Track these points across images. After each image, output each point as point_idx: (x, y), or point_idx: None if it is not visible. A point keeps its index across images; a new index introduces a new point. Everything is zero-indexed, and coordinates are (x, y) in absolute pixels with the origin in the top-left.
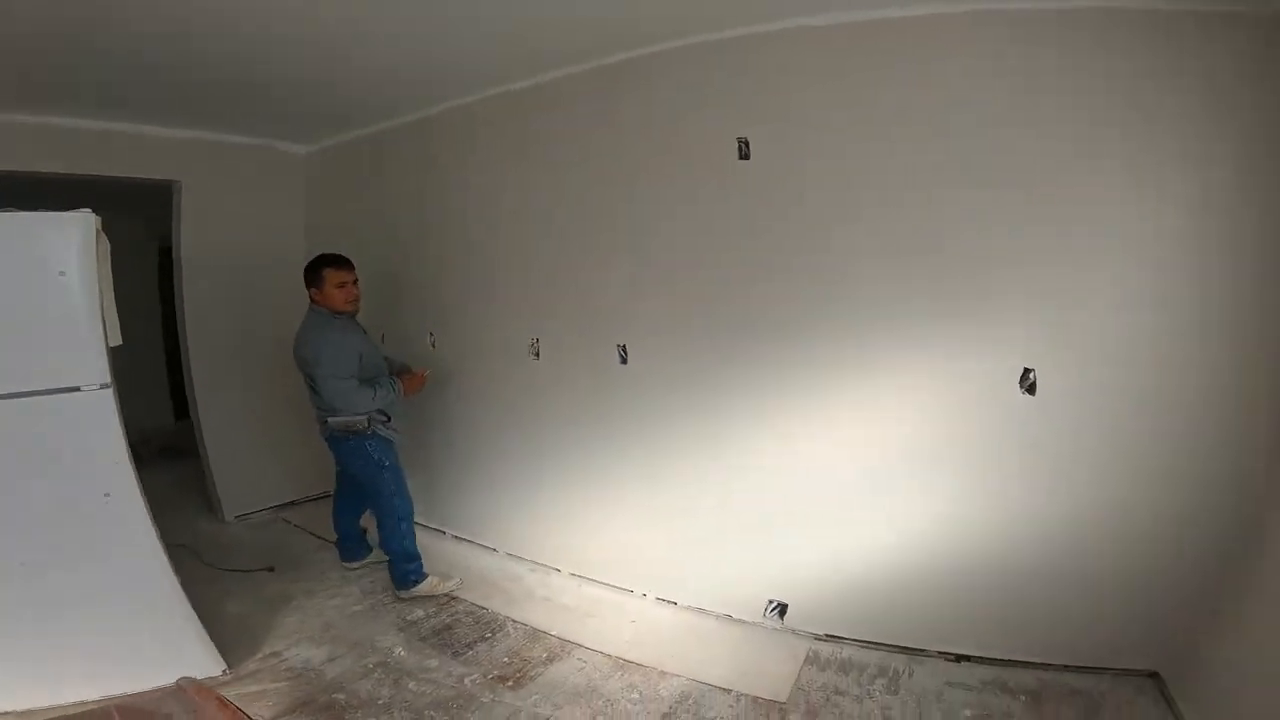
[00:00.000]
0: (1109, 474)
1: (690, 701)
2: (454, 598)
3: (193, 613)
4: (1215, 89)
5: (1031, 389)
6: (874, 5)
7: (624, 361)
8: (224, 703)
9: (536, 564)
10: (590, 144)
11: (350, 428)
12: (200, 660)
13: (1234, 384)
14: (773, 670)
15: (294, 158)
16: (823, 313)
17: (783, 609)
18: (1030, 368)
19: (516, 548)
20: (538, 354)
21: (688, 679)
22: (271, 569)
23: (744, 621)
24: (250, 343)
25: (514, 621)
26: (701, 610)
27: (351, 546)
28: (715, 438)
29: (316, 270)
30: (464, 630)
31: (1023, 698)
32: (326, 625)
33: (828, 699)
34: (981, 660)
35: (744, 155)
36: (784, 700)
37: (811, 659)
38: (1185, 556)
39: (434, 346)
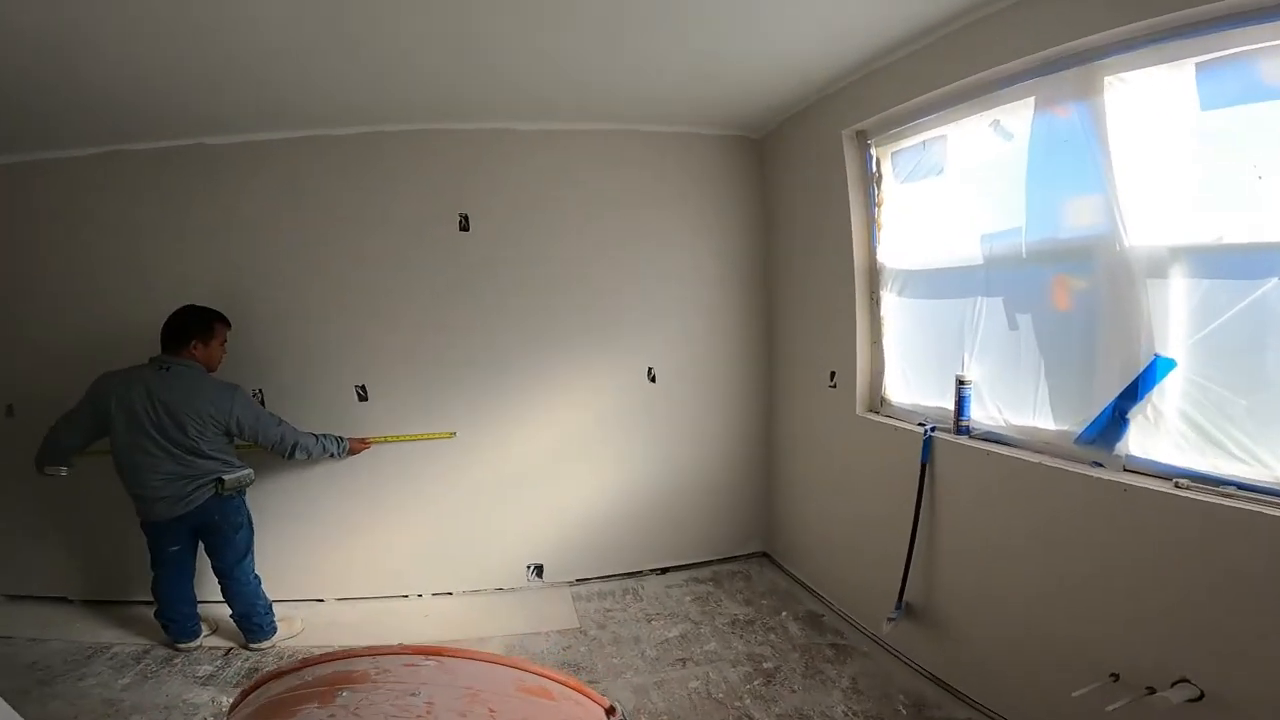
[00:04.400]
0: (706, 424)
1: (516, 647)
2: (233, 649)
3: None
4: (721, 183)
5: (654, 379)
6: (559, 119)
7: (363, 399)
8: None
9: (301, 601)
10: (335, 204)
11: (241, 484)
12: None
13: (747, 354)
14: (557, 612)
15: None
16: (534, 342)
17: (539, 569)
18: (652, 365)
19: (277, 593)
20: (262, 401)
21: (503, 635)
22: None
23: (514, 588)
24: None
25: (317, 648)
26: (476, 590)
27: (194, 624)
28: (452, 448)
29: (210, 324)
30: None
31: (709, 582)
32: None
33: (605, 616)
34: (675, 568)
35: (464, 228)
36: (578, 626)
37: (576, 597)
38: (759, 471)
39: None
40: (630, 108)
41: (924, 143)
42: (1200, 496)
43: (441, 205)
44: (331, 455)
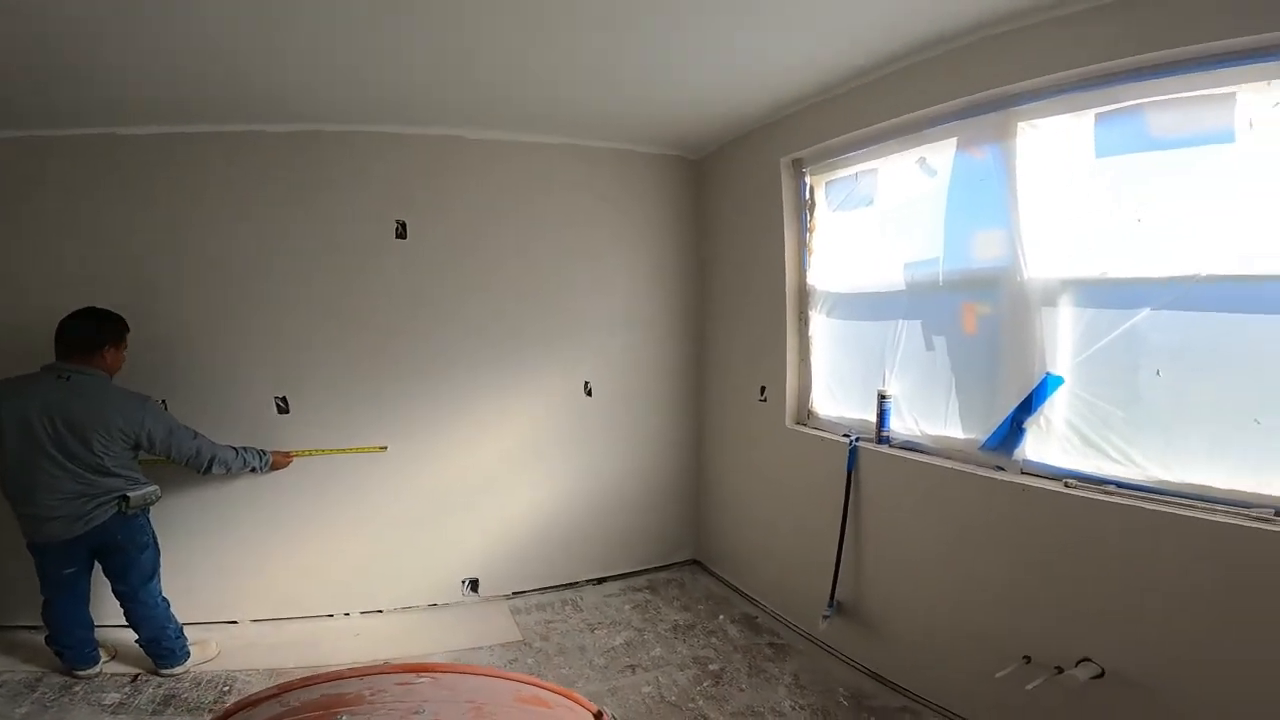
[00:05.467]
0: (641, 436)
1: (462, 662)
2: (141, 675)
3: None
4: (661, 201)
5: (590, 392)
6: (505, 129)
7: (284, 411)
8: None
9: (214, 624)
10: (260, 204)
11: (146, 501)
12: None
13: (681, 369)
14: (497, 625)
15: None
16: (471, 355)
17: (475, 583)
18: (588, 380)
19: (186, 616)
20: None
21: (444, 652)
22: None
23: (448, 604)
24: None
25: (239, 672)
26: (408, 608)
27: (92, 650)
28: (383, 462)
29: (121, 329)
30: (194, 694)
31: (646, 590)
32: None
33: (547, 627)
34: (611, 577)
35: (401, 235)
36: (521, 639)
37: (515, 610)
38: (691, 481)
39: None
40: (576, 122)
41: (856, 174)
42: (1085, 494)
43: (379, 210)
44: (253, 469)
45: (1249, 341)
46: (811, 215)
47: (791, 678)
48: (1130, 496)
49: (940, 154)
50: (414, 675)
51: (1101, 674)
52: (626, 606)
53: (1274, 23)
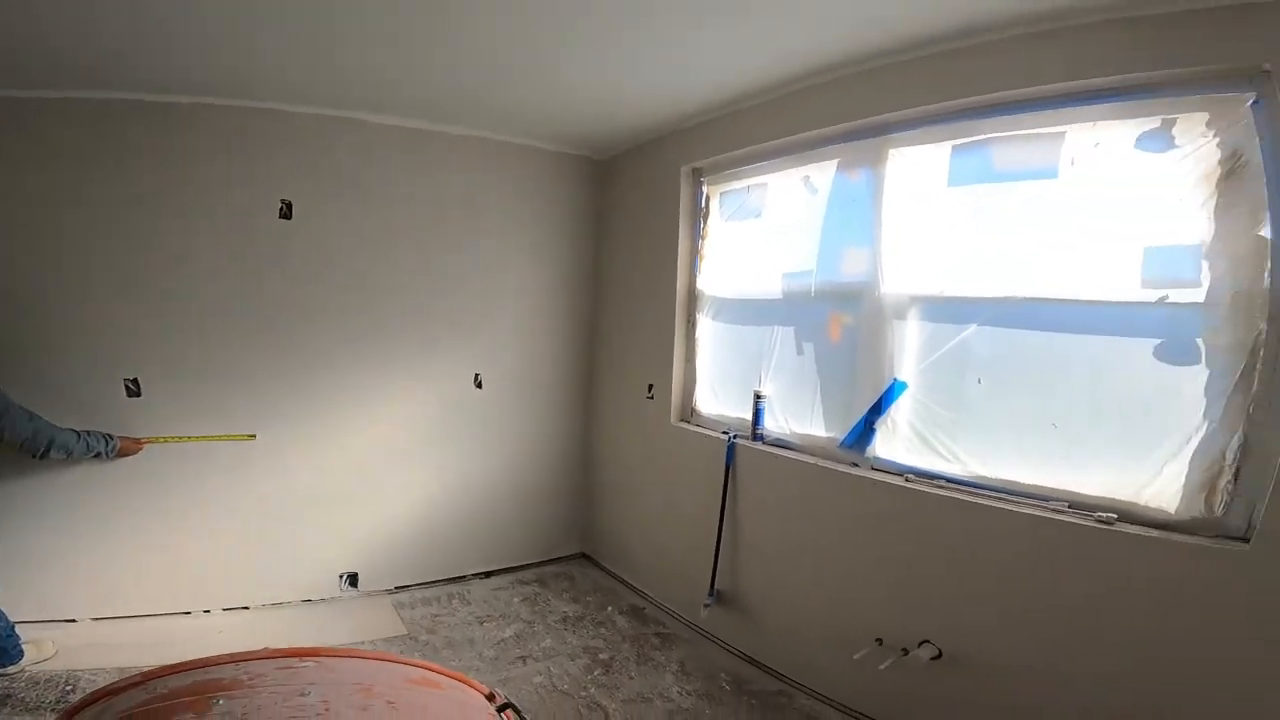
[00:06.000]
0: (530, 430)
1: None
2: None
3: None
4: (563, 198)
5: (480, 385)
6: (411, 115)
7: (135, 394)
8: None
9: (48, 622)
10: (117, 175)
11: None
12: None
13: (572, 365)
14: (380, 620)
15: None
16: (356, 341)
17: (354, 578)
18: (479, 372)
19: (22, 613)
20: None
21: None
22: None
23: (324, 600)
24: None
25: (83, 671)
26: (279, 604)
27: None
28: (251, 451)
29: None
30: (33, 694)
31: (535, 583)
32: None
33: (434, 621)
34: (499, 571)
35: (285, 215)
36: (407, 633)
37: (399, 605)
38: (580, 476)
39: None
40: (482, 115)
41: (748, 187)
42: (921, 488)
43: (259, 189)
44: (98, 455)
45: (1051, 356)
46: (705, 223)
47: (678, 665)
48: (957, 490)
49: (822, 174)
50: (297, 660)
51: (939, 655)
52: (516, 599)
53: (1100, 70)
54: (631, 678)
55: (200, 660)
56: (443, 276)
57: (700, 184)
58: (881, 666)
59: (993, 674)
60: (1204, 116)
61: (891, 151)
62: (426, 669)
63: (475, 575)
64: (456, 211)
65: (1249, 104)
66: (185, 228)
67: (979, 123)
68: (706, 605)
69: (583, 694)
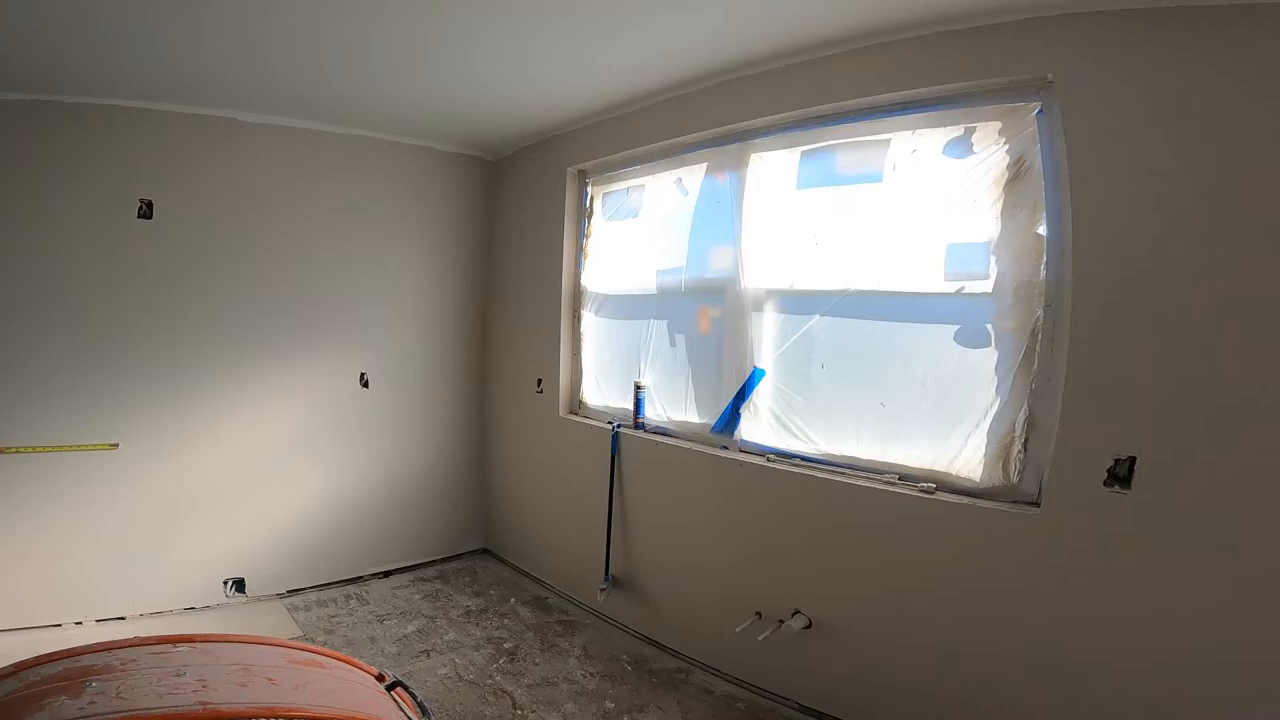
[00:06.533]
0: (422, 428)
1: None
2: None
3: None
4: (453, 198)
5: (366, 384)
6: (293, 115)
7: None
8: None
9: None
10: None
11: None
12: None
13: (462, 362)
14: (272, 624)
15: None
16: (229, 343)
17: (240, 584)
18: (365, 371)
19: None
20: None
21: None
22: None
23: (209, 607)
24: None
25: None
26: (158, 613)
27: None
28: (116, 460)
29: None
30: None
31: (436, 580)
32: None
33: (331, 622)
34: (399, 570)
35: (145, 215)
36: (302, 635)
37: (292, 608)
38: (476, 472)
39: None
40: (363, 114)
41: (628, 189)
42: (781, 467)
43: (115, 188)
44: None
45: (878, 343)
46: (589, 222)
47: (581, 649)
48: (810, 468)
49: (693, 176)
50: (170, 645)
51: (810, 625)
52: (416, 596)
53: (907, 83)
54: (536, 664)
55: (71, 649)
56: (324, 276)
57: (585, 185)
58: (760, 638)
59: (854, 638)
60: (997, 125)
61: (753, 156)
62: (311, 651)
63: (373, 575)
64: (340, 210)
65: (1035, 113)
66: (37, 229)
67: (823, 130)
68: (603, 590)
69: (489, 682)
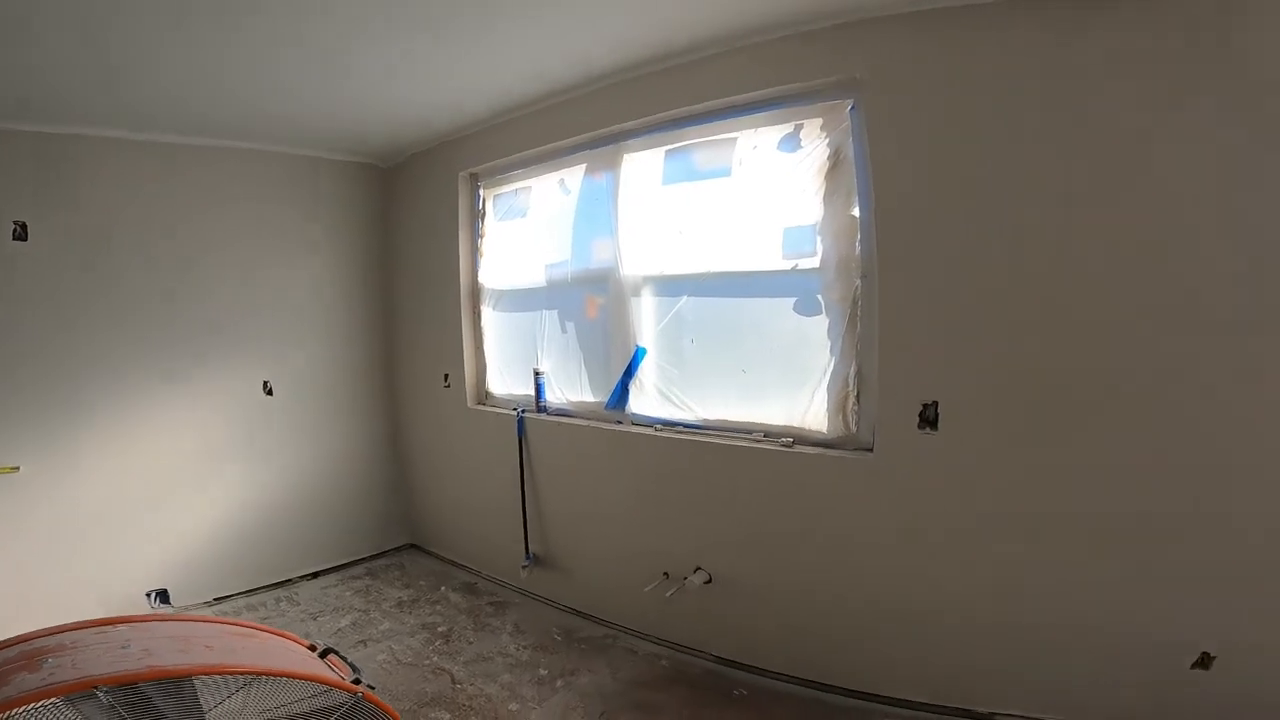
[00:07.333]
0: (335, 431)
1: None
2: None
3: None
4: (349, 206)
5: (270, 392)
6: (182, 132)
7: None
8: None
9: None
10: None
11: None
12: None
13: (370, 363)
14: None
15: None
16: (124, 361)
17: (164, 594)
18: (268, 380)
19: None
20: None
21: None
22: None
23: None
24: None
25: None
26: (78, 630)
27: None
28: (18, 483)
29: None
30: None
31: (365, 577)
32: None
33: (264, 623)
34: (327, 570)
35: (20, 237)
36: None
37: (223, 614)
38: (395, 469)
39: None
40: (257, 129)
41: (517, 190)
42: (667, 435)
43: None
44: None
45: (735, 317)
46: (483, 223)
47: (513, 626)
48: (690, 434)
49: (574, 176)
50: (110, 625)
51: (710, 580)
52: (348, 593)
53: (754, 85)
54: (471, 643)
55: (21, 636)
56: (217, 289)
57: (477, 188)
58: (667, 595)
59: (746, 588)
60: (820, 121)
61: (625, 156)
62: (244, 625)
63: (302, 577)
64: (240, 225)
65: (849, 109)
66: None
67: (684, 130)
68: (525, 567)
69: (426, 663)
